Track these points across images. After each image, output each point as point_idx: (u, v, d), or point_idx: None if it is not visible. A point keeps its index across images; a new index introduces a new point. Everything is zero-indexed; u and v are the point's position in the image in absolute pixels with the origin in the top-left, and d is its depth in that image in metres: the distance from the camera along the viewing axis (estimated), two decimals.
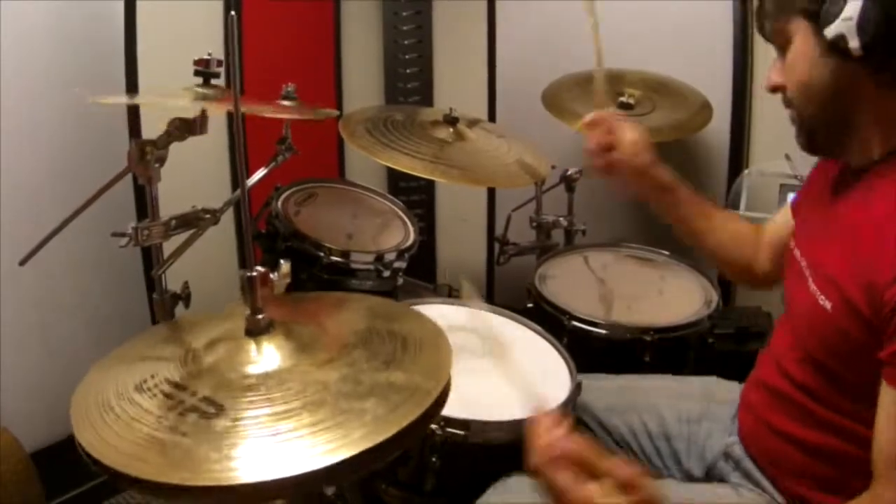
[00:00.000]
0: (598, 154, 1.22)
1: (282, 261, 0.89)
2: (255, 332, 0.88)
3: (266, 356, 0.86)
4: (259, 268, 0.86)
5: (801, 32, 0.89)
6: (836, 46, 0.83)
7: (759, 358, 1.09)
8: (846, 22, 0.81)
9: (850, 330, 0.84)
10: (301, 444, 0.73)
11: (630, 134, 1.21)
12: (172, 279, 1.27)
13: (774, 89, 0.96)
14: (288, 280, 0.90)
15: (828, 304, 0.87)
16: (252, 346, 0.87)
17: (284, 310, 0.94)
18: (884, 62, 0.83)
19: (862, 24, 0.80)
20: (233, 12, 0.86)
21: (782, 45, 0.93)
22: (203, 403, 0.79)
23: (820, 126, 0.92)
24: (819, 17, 0.84)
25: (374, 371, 0.85)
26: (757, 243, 1.23)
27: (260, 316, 0.88)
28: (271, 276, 0.87)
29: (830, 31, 0.83)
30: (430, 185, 2.63)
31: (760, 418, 1.02)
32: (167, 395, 0.81)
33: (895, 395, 0.78)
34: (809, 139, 0.95)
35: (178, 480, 0.69)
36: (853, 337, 0.84)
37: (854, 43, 0.81)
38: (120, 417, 0.78)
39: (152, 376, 0.85)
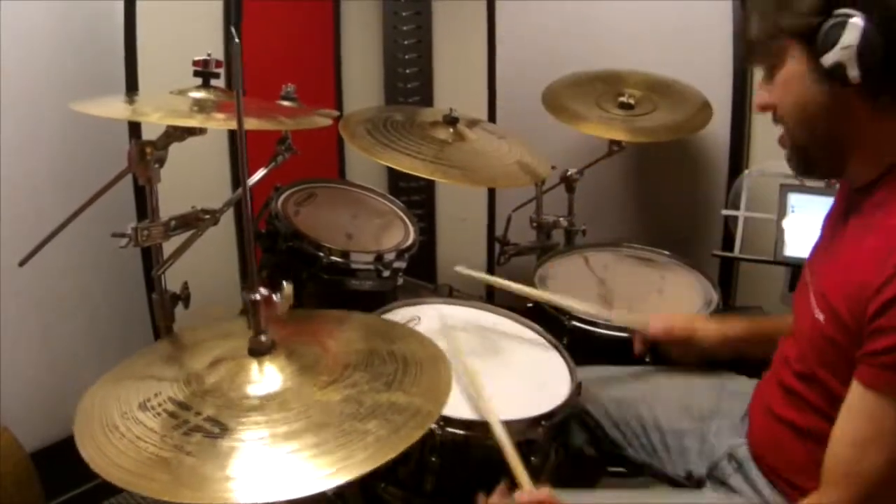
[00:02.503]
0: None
1: (284, 282, 0.89)
2: (259, 352, 0.88)
3: (269, 377, 0.87)
4: (263, 290, 0.86)
5: (794, 55, 0.87)
6: (834, 74, 0.82)
7: (774, 358, 1.10)
8: (845, 50, 0.80)
9: (837, 338, 0.86)
10: (305, 465, 0.74)
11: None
12: (172, 279, 1.27)
13: (765, 109, 0.95)
14: (291, 302, 0.90)
15: (821, 317, 0.90)
16: (255, 366, 0.88)
17: (286, 330, 0.95)
18: (880, 87, 0.83)
19: (862, 53, 0.79)
20: (236, 39, 0.85)
21: (772, 65, 0.92)
22: (207, 423, 0.80)
23: (815, 149, 0.92)
24: (814, 41, 0.83)
25: (375, 392, 0.86)
26: None
27: (263, 337, 0.88)
28: (274, 297, 0.87)
29: (828, 60, 0.82)
30: (430, 185, 2.63)
31: (770, 410, 1.03)
32: (171, 415, 0.82)
33: (861, 391, 0.80)
34: (803, 161, 0.95)
35: (182, 499, 0.69)
36: (839, 344, 0.86)
37: (854, 72, 0.81)
38: (125, 436, 0.79)
39: (156, 395, 0.86)
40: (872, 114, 0.85)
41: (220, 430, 0.78)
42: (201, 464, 0.73)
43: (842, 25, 0.80)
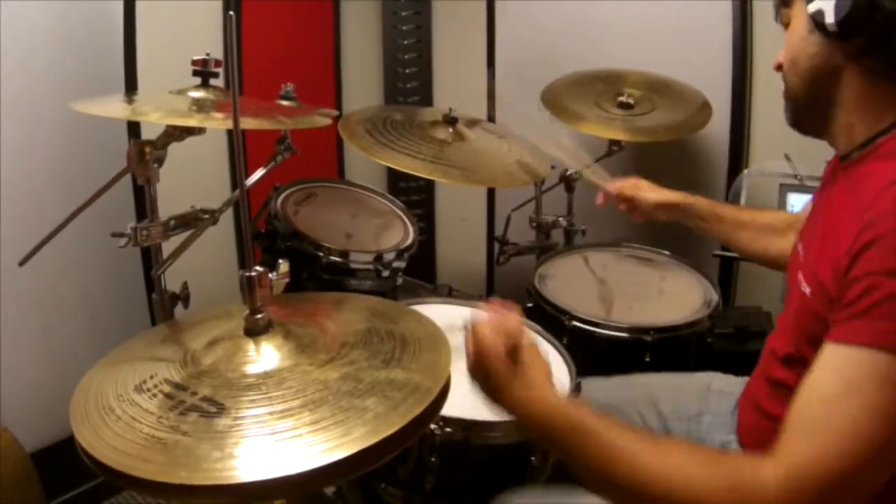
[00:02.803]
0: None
1: (280, 260, 0.89)
2: (255, 331, 0.88)
3: (265, 356, 0.86)
4: (258, 268, 0.86)
5: (797, 10, 0.91)
6: (816, 21, 0.85)
7: (763, 351, 1.10)
8: (828, 0, 0.83)
9: (822, 312, 0.83)
10: (302, 442, 0.73)
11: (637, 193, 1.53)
12: (172, 279, 1.27)
13: (778, 68, 0.98)
14: (287, 280, 0.90)
15: (808, 290, 0.88)
16: (251, 345, 0.87)
17: (283, 310, 0.94)
18: (866, 46, 0.84)
19: (839, 2, 0.82)
20: (231, 12, 0.85)
21: (786, 24, 0.95)
22: (204, 403, 0.79)
23: (803, 102, 0.94)
24: None
25: (373, 370, 0.85)
26: (786, 231, 1.31)
27: (259, 316, 0.88)
28: (270, 275, 0.87)
29: (813, 6, 0.85)
30: (430, 185, 2.63)
31: (758, 406, 1.03)
32: (167, 396, 0.81)
33: (831, 348, 0.75)
34: (793, 115, 0.97)
35: (179, 479, 0.69)
36: (823, 319, 0.83)
37: (830, 19, 0.83)
38: (120, 418, 0.78)
39: (152, 377, 0.85)
40: (861, 76, 0.87)
41: (216, 409, 0.78)
42: (197, 443, 0.73)
43: None
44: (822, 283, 0.84)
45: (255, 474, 0.69)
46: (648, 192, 1.53)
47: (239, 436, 0.74)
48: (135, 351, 0.95)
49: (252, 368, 0.84)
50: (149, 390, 0.83)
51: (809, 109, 0.94)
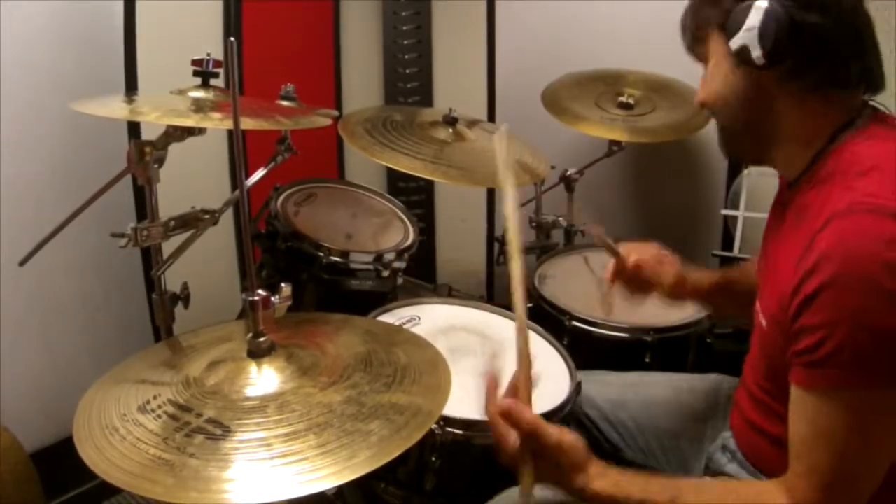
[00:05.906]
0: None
1: (283, 284, 0.89)
2: (257, 354, 0.88)
3: (268, 378, 0.87)
4: (261, 291, 0.86)
5: (716, 46, 0.90)
6: (742, 57, 0.84)
7: (744, 364, 1.10)
8: (748, 32, 0.82)
9: (779, 341, 0.85)
10: (308, 466, 0.74)
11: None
12: (172, 280, 1.27)
13: (702, 105, 0.97)
14: (289, 303, 0.90)
15: (764, 323, 0.90)
16: (254, 368, 0.88)
17: (284, 333, 0.95)
18: (795, 68, 0.84)
19: (762, 34, 0.81)
20: (232, 38, 0.85)
21: (704, 59, 0.95)
22: (209, 425, 0.80)
23: (739, 136, 0.94)
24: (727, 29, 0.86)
25: (376, 393, 0.86)
26: None
27: (262, 339, 0.88)
28: (272, 299, 0.87)
29: (735, 42, 0.84)
30: (430, 185, 2.63)
31: (744, 415, 1.04)
32: (172, 417, 0.82)
33: (795, 392, 0.81)
34: (729, 148, 0.97)
35: (188, 501, 0.70)
36: (781, 347, 0.85)
37: (756, 52, 0.83)
38: (125, 438, 0.79)
39: (155, 397, 0.86)
40: (790, 101, 0.87)
41: (221, 431, 0.78)
42: (205, 465, 0.73)
43: (748, 9, 0.82)
44: (775, 317, 0.86)
45: (264, 497, 0.70)
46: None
47: (245, 458, 0.75)
48: (136, 370, 0.95)
49: (256, 391, 0.85)
50: (153, 411, 0.83)
51: (749, 141, 0.93)
